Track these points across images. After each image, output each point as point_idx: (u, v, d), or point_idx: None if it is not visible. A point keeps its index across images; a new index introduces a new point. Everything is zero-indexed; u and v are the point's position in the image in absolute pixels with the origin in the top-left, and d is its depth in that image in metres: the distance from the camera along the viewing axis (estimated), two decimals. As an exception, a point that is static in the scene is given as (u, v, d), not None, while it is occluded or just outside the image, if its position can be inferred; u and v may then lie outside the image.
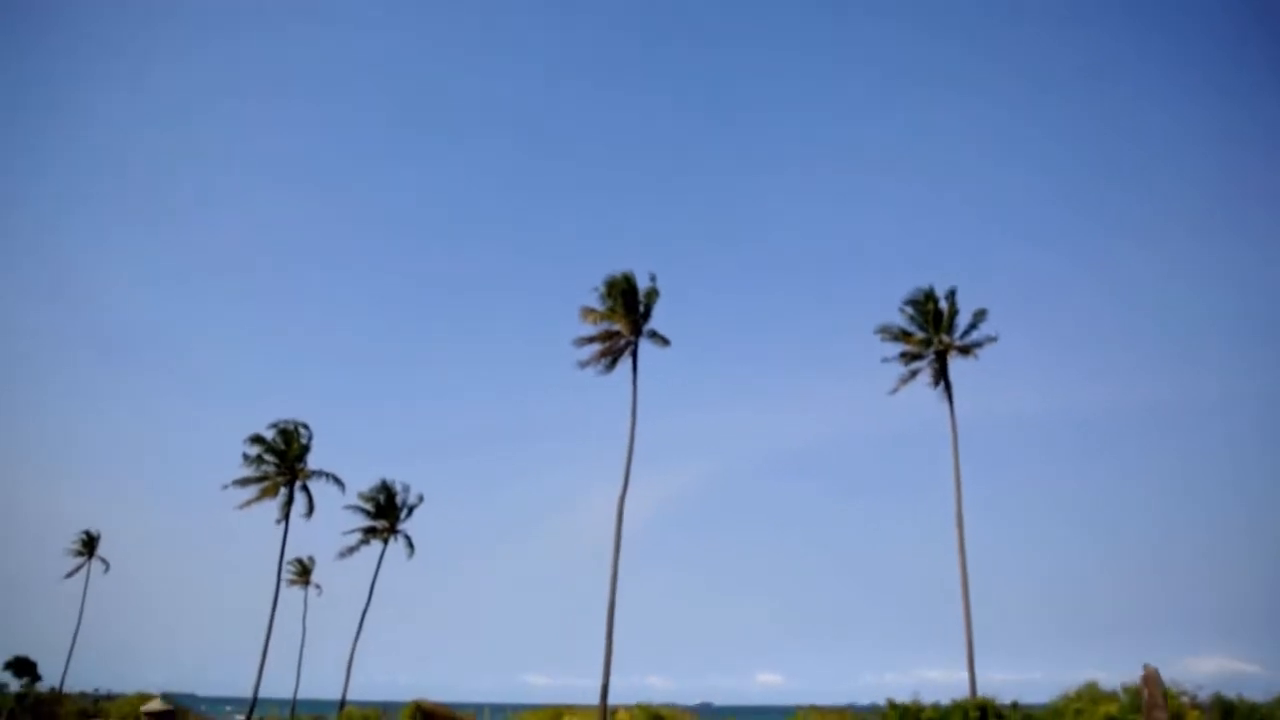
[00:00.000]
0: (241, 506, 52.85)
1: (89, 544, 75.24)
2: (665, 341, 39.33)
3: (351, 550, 56.55)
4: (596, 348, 40.12)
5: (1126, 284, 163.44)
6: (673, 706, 34.42)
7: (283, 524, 52.16)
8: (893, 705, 30.22)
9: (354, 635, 54.02)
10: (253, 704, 48.97)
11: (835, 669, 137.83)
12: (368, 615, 54.55)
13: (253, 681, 48.11)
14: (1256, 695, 27.97)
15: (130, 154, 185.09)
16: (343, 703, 53.21)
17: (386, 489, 57.08)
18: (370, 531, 56.85)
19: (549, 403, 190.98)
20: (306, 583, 65.76)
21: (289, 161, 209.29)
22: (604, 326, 40.06)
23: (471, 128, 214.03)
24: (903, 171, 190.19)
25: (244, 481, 52.99)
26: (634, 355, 39.69)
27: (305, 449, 53.40)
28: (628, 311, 39.51)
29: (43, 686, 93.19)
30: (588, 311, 40.10)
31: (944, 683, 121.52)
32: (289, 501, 52.37)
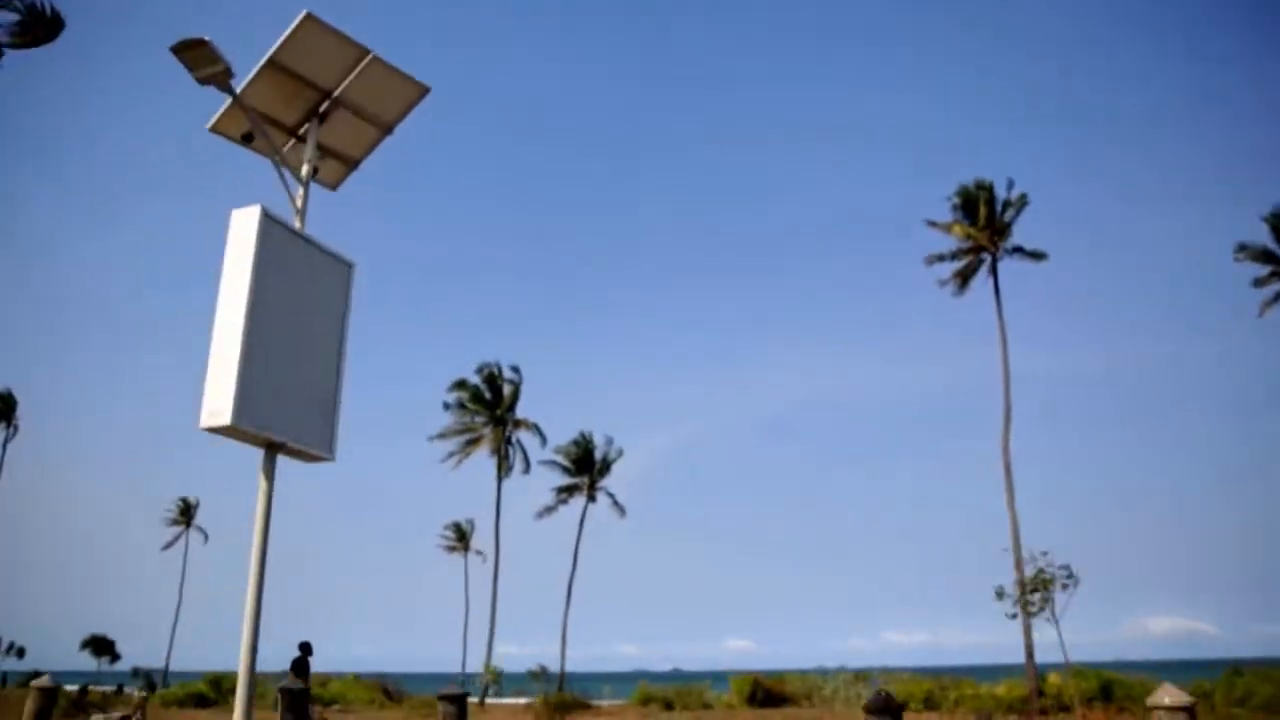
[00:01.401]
0: (455, 466, 47.10)
1: (186, 512, 67.80)
2: (1039, 256, 34.50)
3: (549, 510, 50.78)
4: (951, 265, 35.21)
5: None
6: (1109, 668, 30.23)
7: (497, 482, 46.57)
8: None
9: (564, 604, 48.57)
10: (485, 685, 43.29)
11: (802, 633, 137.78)
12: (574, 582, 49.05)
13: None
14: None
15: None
16: (562, 675, 47.72)
17: (584, 442, 51.20)
18: (568, 490, 51.12)
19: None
20: (465, 549, 59.70)
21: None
22: (959, 242, 35.11)
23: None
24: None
25: (448, 434, 47.09)
26: (994, 273, 34.82)
27: (516, 396, 47.45)
28: (987, 224, 34.55)
29: (126, 665, 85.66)
30: (942, 226, 35.09)
31: (907, 645, 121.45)
32: (504, 457, 46.52)
